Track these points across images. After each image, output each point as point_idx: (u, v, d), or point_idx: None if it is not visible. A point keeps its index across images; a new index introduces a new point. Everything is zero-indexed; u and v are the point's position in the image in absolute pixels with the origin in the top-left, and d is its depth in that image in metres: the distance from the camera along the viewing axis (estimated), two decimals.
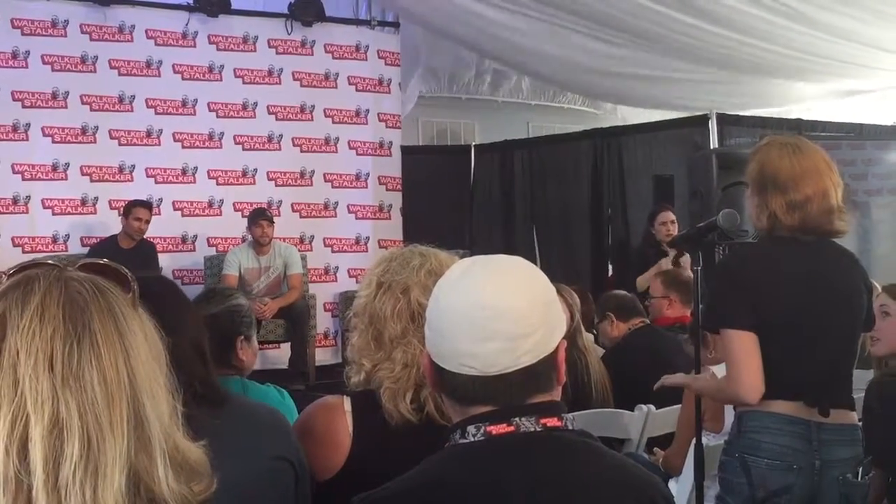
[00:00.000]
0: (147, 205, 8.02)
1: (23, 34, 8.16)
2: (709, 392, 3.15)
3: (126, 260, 6.98)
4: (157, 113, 8.66)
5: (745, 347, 2.77)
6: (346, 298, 8.50)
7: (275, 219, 8.38)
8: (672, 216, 7.56)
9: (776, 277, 2.84)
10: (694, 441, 3.30)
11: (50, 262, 1.10)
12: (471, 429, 1.48)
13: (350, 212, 9.46)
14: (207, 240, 8.86)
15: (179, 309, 2.01)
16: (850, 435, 2.85)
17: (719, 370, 3.44)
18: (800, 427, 2.77)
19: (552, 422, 1.48)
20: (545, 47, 8.62)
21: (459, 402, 1.51)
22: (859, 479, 2.80)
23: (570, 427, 1.50)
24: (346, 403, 2.07)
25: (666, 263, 7.18)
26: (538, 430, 1.47)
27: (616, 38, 8.27)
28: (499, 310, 1.45)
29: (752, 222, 3.05)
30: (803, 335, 2.80)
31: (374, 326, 2.06)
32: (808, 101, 9.68)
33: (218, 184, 8.92)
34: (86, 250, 8.01)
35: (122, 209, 7.94)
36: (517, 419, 1.46)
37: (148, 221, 7.89)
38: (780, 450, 2.76)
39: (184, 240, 8.81)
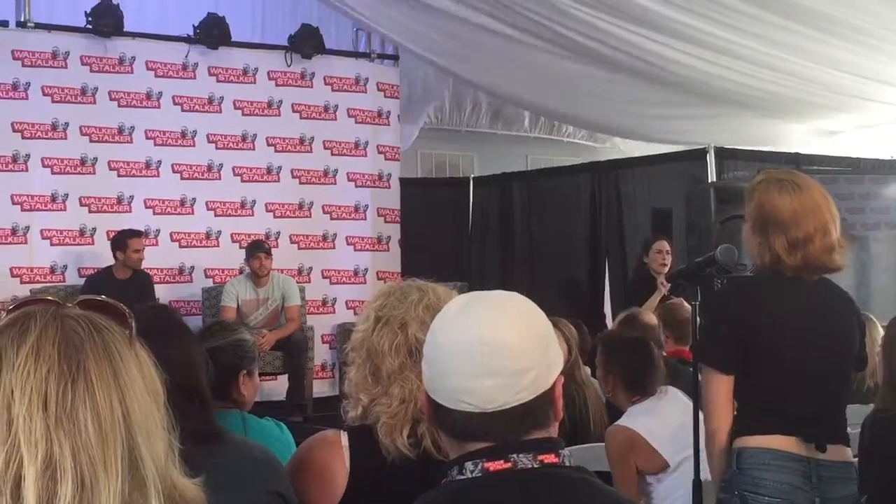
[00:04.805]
0: (140, 233, 8.02)
1: (23, 66, 8.17)
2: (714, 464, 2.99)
3: (122, 291, 6.89)
4: (156, 144, 8.66)
5: (719, 391, 2.85)
6: (344, 330, 8.47)
7: (273, 250, 8.38)
8: (667, 245, 7.51)
9: (774, 313, 2.84)
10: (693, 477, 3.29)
11: (49, 298, 1.10)
12: (468, 465, 1.47)
13: (349, 243, 9.45)
14: (205, 271, 8.85)
15: (179, 344, 2.01)
16: (847, 472, 2.85)
17: None
18: (799, 464, 2.76)
19: (549, 458, 1.47)
20: (544, 79, 8.66)
21: (457, 439, 1.50)
22: None
23: (568, 463, 1.50)
24: (344, 438, 2.06)
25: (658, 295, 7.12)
26: (535, 466, 1.46)
27: (614, 74, 8.31)
28: (496, 346, 1.44)
29: (752, 260, 3.05)
30: (799, 371, 2.81)
31: (372, 361, 2.06)
32: (806, 135, 9.71)
33: (216, 215, 8.91)
34: (83, 281, 8.00)
35: (114, 240, 7.88)
36: (514, 456, 1.46)
37: (144, 249, 7.92)
38: (782, 487, 2.75)
39: (181, 271, 8.79)
